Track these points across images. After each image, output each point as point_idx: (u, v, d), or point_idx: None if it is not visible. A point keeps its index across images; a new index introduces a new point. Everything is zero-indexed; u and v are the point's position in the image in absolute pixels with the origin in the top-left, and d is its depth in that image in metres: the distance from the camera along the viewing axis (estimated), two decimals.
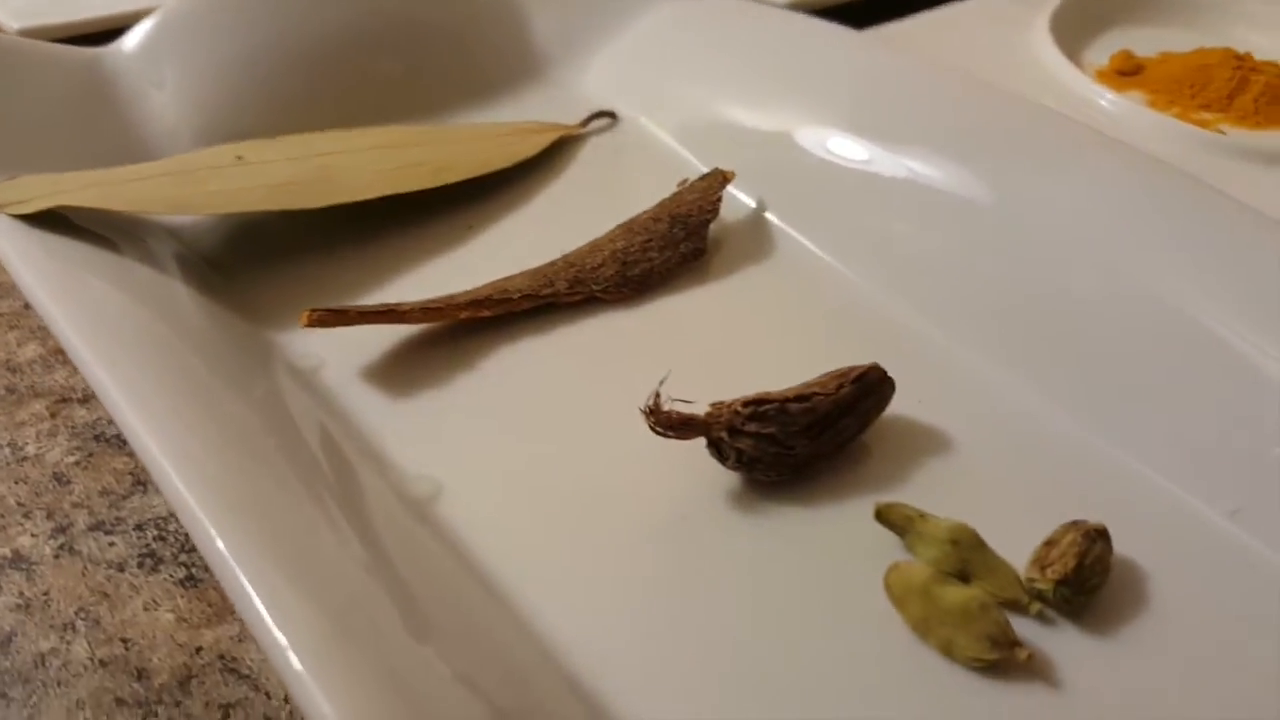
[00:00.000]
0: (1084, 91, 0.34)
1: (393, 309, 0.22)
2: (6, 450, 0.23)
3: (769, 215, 0.27)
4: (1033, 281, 0.24)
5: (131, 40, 0.27)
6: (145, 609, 0.20)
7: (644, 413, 0.19)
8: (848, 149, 0.28)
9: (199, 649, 0.19)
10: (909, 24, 0.35)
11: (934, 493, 0.20)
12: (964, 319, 0.24)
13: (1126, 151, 0.25)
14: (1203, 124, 0.34)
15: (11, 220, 0.21)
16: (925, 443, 0.22)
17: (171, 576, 0.20)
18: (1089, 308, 0.23)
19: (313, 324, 0.21)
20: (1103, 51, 0.37)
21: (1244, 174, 0.31)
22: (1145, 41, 0.38)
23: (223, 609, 0.20)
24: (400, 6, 0.30)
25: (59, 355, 0.25)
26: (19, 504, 0.21)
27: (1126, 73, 0.36)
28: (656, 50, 0.32)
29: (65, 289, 0.20)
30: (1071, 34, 0.36)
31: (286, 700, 0.18)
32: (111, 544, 0.21)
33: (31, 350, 0.25)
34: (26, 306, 0.26)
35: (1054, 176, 0.25)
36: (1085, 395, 0.22)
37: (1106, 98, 0.34)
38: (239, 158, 0.25)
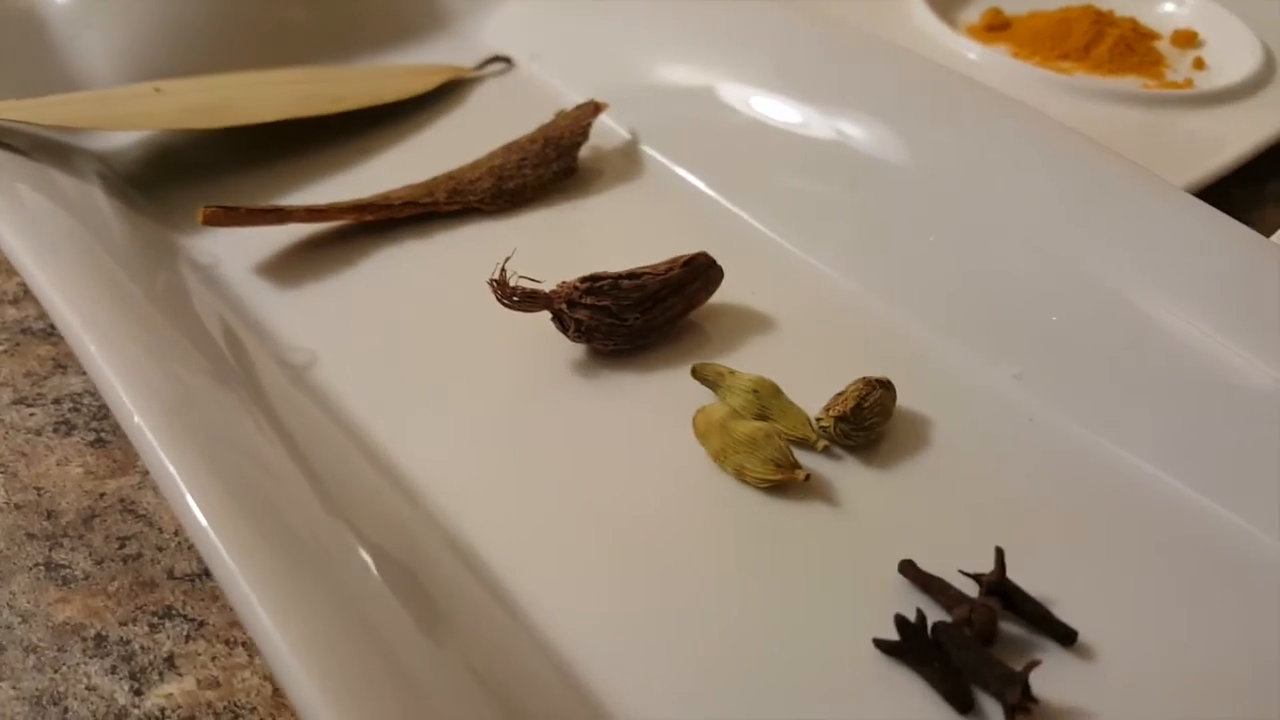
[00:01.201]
0: (952, 45, 0.37)
1: (280, 209, 0.25)
2: None
3: (643, 146, 0.30)
4: (866, 193, 0.27)
5: None
6: (58, 465, 0.22)
7: (491, 285, 0.22)
8: (725, 91, 0.31)
9: (102, 495, 0.22)
10: None
11: (750, 360, 0.23)
12: (808, 228, 0.27)
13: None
14: (1060, 72, 0.37)
15: None
16: (751, 323, 0.25)
17: (83, 439, 0.23)
18: (908, 215, 0.26)
19: (208, 221, 0.24)
20: (976, 11, 0.41)
21: (1093, 112, 0.34)
22: (1018, 2, 0.41)
23: (126, 464, 0.22)
24: None
25: None
26: None
27: (995, 28, 0.39)
28: (554, 4, 0.35)
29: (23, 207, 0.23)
30: None
31: (176, 533, 0.21)
32: (31, 415, 0.23)
33: None
34: None
35: (882, 87, 0.28)
36: (900, 283, 0.25)
37: (974, 50, 0.37)
38: (156, 89, 0.28)
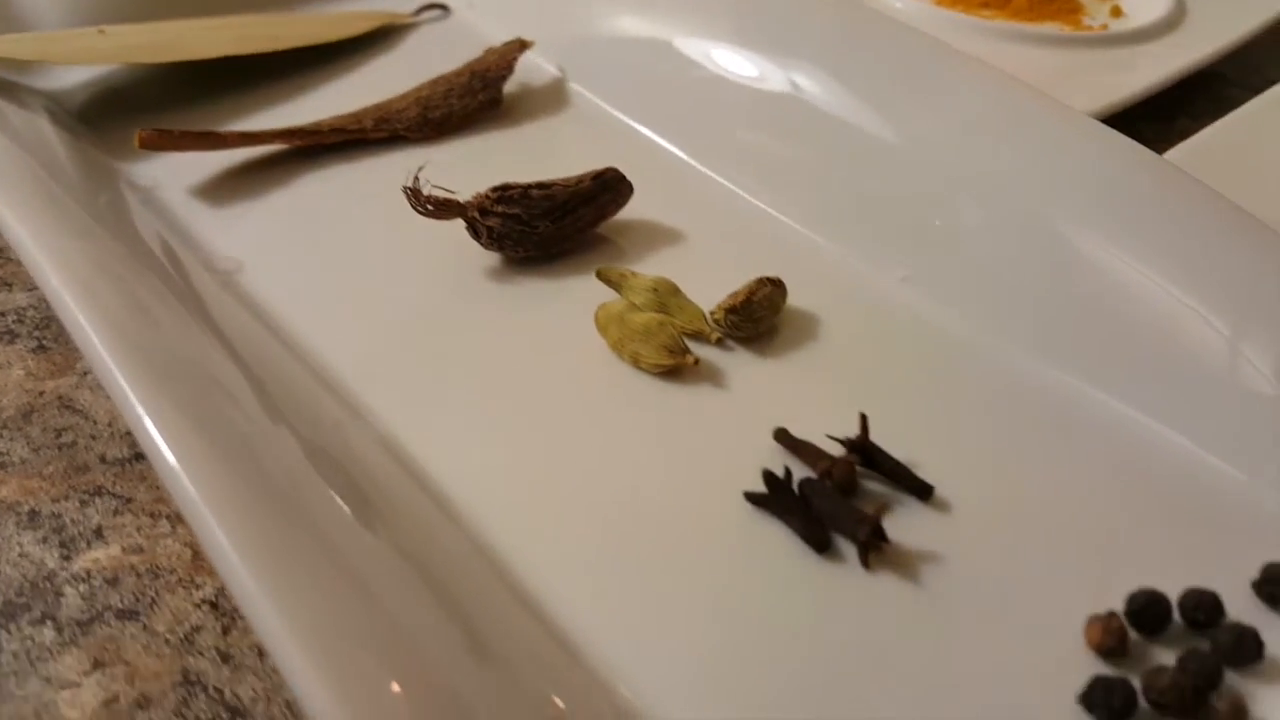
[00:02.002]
0: None
1: (214, 134, 0.26)
2: None
3: (571, 83, 0.32)
4: (776, 120, 0.29)
5: None
6: (0, 369, 0.24)
7: (405, 192, 0.23)
8: (648, 32, 0.32)
9: (41, 393, 0.23)
10: None
11: (655, 267, 0.25)
12: (717, 149, 0.29)
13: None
14: (981, 19, 0.38)
15: None
16: (659, 236, 0.26)
17: (25, 346, 0.24)
18: (813, 137, 0.28)
19: (144, 144, 0.25)
20: None
21: (1009, 52, 0.36)
22: None
23: (65, 366, 0.24)
24: None
25: None
26: None
27: None
28: None
29: None
30: None
31: (110, 424, 0.22)
32: None
33: None
34: None
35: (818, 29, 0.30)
36: (802, 199, 0.27)
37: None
38: (101, 31, 0.29)
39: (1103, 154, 0.25)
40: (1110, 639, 0.17)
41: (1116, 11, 0.40)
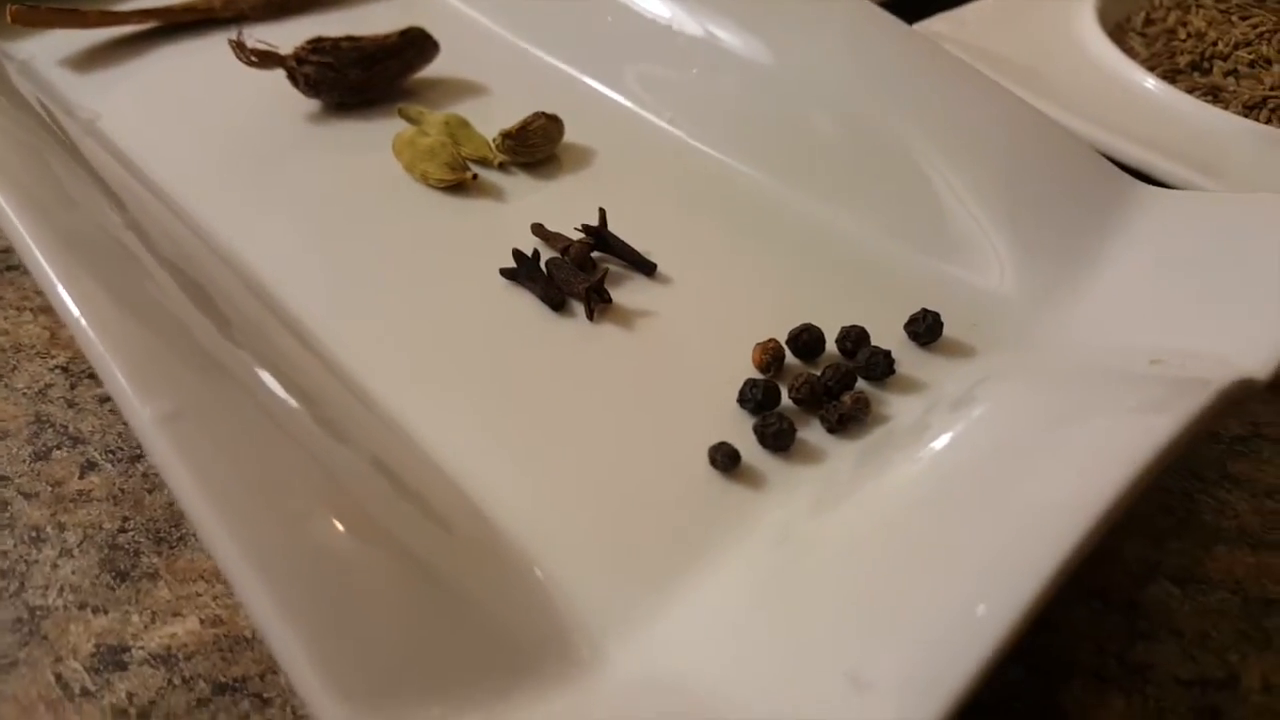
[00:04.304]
0: None
1: (80, 12, 0.30)
2: None
3: None
4: (646, 37, 0.33)
5: None
6: None
7: (230, 45, 0.27)
8: None
9: None
10: None
11: (454, 109, 0.29)
12: (523, 13, 0.33)
13: None
14: None
15: None
16: (463, 89, 0.31)
17: None
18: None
19: (16, 19, 0.29)
20: None
21: None
22: None
23: None
24: None
25: None
26: None
27: None
28: None
29: None
30: None
31: (39, 292, 0.26)
32: None
33: None
34: None
35: None
36: (589, 53, 0.31)
37: None
38: None
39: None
40: (766, 356, 0.22)
41: None
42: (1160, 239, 0.23)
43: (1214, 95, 0.34)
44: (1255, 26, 0.37)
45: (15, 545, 0.19)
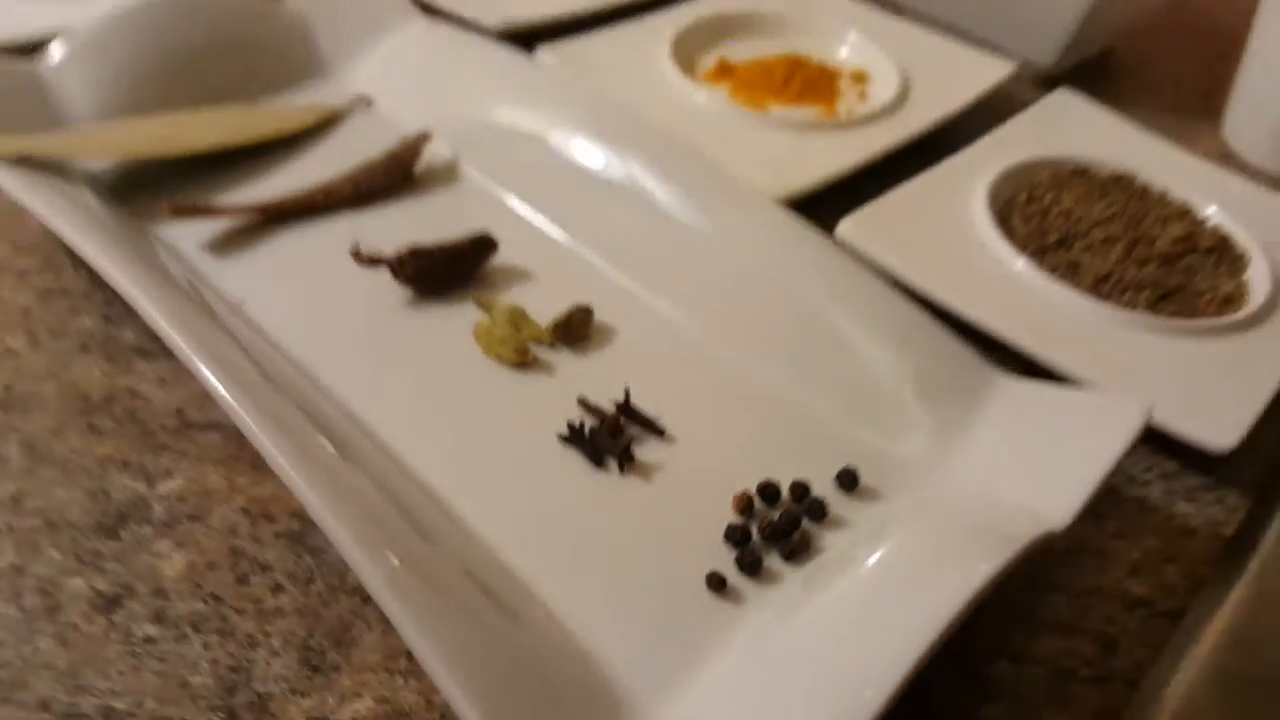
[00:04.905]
0: (687, 90, 0.53)
1: (219, 206, 0.39)
2: None
3: (462, 164, 0.45)
4: (605, 195, 0.43)
5: (53, 54, 0.43)
6: (85, 369, 0.36)
7: (352, 253, 0.37)
8: (518, 124, 0.46)
9: (117, 385, 0.36)
10: (576, 44, 0.53)
11: (512, 298, 0.39)
12: (541, 197, 0.43)
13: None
14: (761, 106, 0.53)
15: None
16: (515, 276, 0.40)
17: (100, 353, 0.37)
18: (618, 206, 0.42)
19: (172, 212, 0.38)
20: (713, 59, 0.56)
21: (779, 135, 0.51)
22: (749, 49, 0.57)
23: (126, 367, 0.36)
24: (228, 31, 0.46)
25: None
26: None
27: (722, 74, 0.55)
28: (404, 59, 0.49)
29: (45, 193, 0.36)
30: (689, 49, 0.55)
31: (179, 412, 0.35)
32: (60, 345, 0.37)
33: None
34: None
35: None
36: (611, 249, 0.41)
37: (701, 93, 0.53)
38: (122, 126, 0.41)
39: (772, 230, 0.40)
40: (741, 504, 0.32)
41: (863, 95, 0.55)
42: (1009, 420, 0.34)
43: (1073, 269, 0.45)
44: (1109, 206, 0.48)
45: (237, 649, 0.29)
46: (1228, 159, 0.60)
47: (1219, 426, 0.38)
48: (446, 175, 0.45)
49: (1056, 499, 0.30)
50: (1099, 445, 0.32)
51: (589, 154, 0.44)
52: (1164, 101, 0.65)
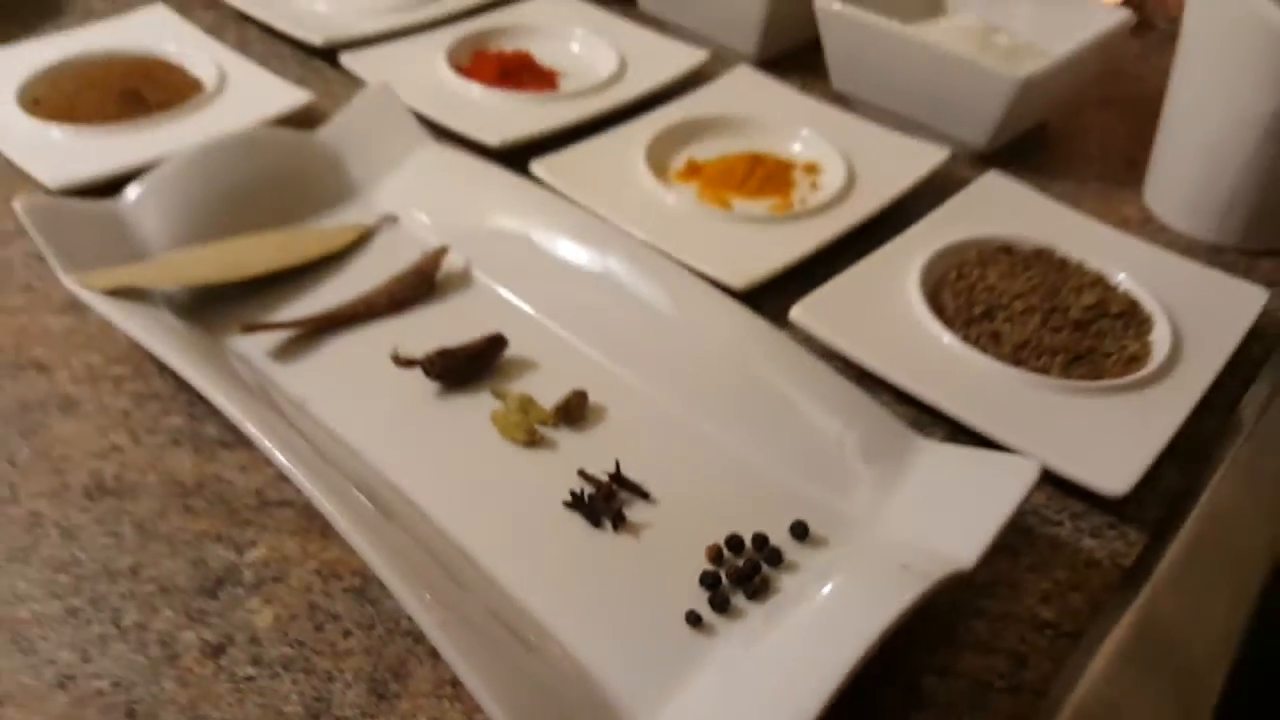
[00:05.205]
0: (659, 192, 0.60)
1: (277, 324, 0.47)
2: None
3: (474, 270, 0.54)
4: (593, 288, 0.51)
5: (130, 194, 0.51)
6: (160, 448, 0.44)
7: (392, 358, 0.45)
8: (517, 232, 0.54)
9: (205, 472, 0.44)
10: (564, 156, 0.61)
11: (522, 386, 0.47)
12: (549, 302, 0.51)
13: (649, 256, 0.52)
14: (723, 201, 0.61)
15: (98, 292, 0.46)
16: (523, 368, 0.48)
17: (172, 438, 0.45)
18: (613, 303, 0.50)
19: (244, 331, 0.46)
20: (683, 159, 0.65)
21: (739, 228, 0.59)
22: (714, 148, 0.66)
23: (211, 454, 0.44)
24: (276, 165, 0.55)
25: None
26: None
27: (690, 173, 0.63)
28: (421, 179, 0.58)
29: (136, 318, 0.45)
30: (662, 151, 0.64)
31: (248, 488, 0.43)
32: (154, 438, 0.45)
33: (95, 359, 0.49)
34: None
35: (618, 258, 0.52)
36: (602, 338, 0.49)
37: (671, 194, 0.61)
38: (192, 254, 0.50)
39: (731, 320, 0.48)
40: (712, 553, 0.40)
41: (815, 185, 0.63)
42: (931, 478, 0.42)
43: (995, 338, 0.53)
44: (1030, 279, 0.56)
45: (318, 683, 0.36)
46: (1149, 223, 0.68)
47: (1117, 473, 0.45)
48: (461, 281, 0.53)
49: (967, 543, 0.38)
50: (1001, 497, 0.40)
51: (576, 256, 0.52)
52: (1092, 171, 0.72)
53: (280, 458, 0.38)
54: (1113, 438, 0.47)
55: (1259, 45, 0.58)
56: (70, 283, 0.46)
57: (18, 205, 0.47)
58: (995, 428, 0.47)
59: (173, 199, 0.52)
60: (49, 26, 0.76)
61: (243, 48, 0.74)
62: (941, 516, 0.40)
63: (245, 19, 0.79)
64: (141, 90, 0.64)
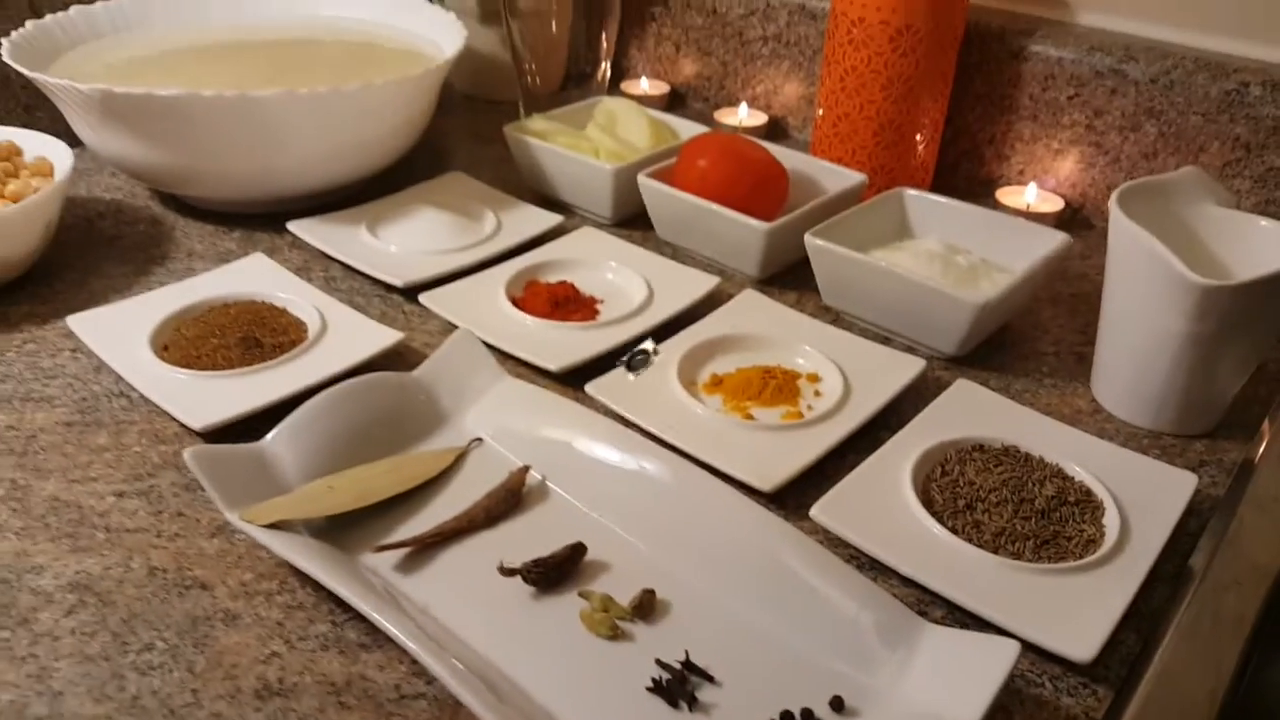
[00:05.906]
0: (689, 403, 0.74)
1: (396, 543, 0.58)
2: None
3: (548, 483, 0.66)
4: (647, 502, 0.63)
5: (271, 438, 0.63)
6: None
7: (498, 569, 0.56)
8: (596, 454, 0.66)
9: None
10: (610, 378, 0.76)
11: (603, 586, 0.58)
12: (610, 508, 0.62)
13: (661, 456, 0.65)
14: (744, 411, 0.74)
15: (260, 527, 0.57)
16: (601, 570, 0.59)
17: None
18: (659, 496, 0.62)
19: (376, 551, 0.57)
20: (708, 373, 0.78)
21: (761, 436, 0.71)
22: (732, 362, 0.79)
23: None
24: (386, 403, 0.68)
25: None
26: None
27: (714, 385, 0.77)
28: (499, 407, 0.70)
29: (286, 543, 0.56)
30: (691, 368, 0.77)
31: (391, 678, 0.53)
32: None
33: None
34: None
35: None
36: (654, 535, 0.61)
37: (700, 407, 0.74)
38: (329, 487, 0.61)
39: (765, 525, 0.59)
40: None
41: (818, 393, 0.76)
42: (934, 655, 0.53)
43: (977, 527, 0.64)
44: (1001, 474, 0.69)
45: None
46: (1098, 412, 0.80)
47: (1084, 642, 0.56)
48: (540, 494, 0.65)
49: (970, 710, 0.48)
50: (991, 671, 0.50)
51: (631, 466, 0.64)
52: (1046, 368, 0.86)
53: (423, 655, 0.49)
54: (1079, 611, 0.59)
55: (1168, 284, 0.72)
56: (234, 519, 0.57)
57: (187, 455, 0.59)
58: (983, 606, 0.58)
59: (307, 439, 0.64)
60: (161, 272, 0.90)
61: (329, 285, 0.88)
62: (946, 689, 0.51)
63: (328, 258, 0.93)
64: (257, 334, 0.77)
